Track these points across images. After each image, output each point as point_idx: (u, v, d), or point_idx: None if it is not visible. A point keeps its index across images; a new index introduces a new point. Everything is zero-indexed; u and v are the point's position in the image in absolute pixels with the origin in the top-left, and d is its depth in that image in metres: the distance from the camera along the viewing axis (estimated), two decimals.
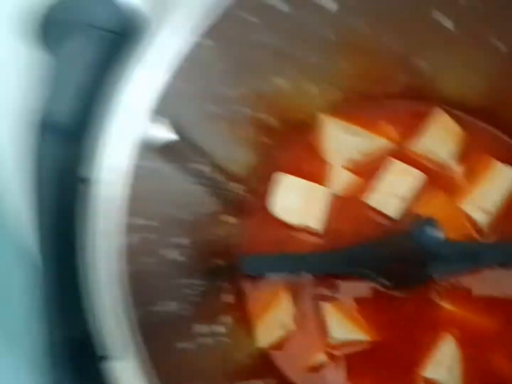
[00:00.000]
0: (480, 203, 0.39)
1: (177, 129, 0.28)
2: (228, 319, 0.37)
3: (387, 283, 0.37)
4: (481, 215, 0.39)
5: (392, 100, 0.41)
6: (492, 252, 0.36)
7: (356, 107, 0.41)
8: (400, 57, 0.36)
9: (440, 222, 0.33)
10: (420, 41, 0.35)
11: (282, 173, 0.41)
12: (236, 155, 0.37)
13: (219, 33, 0.26)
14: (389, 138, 0.41)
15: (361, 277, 0.37)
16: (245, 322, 0.40)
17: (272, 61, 0.32)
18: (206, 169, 0.33)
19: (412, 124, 0.41)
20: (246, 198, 0.41)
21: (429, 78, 0.38)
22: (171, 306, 0.30)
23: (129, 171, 0.25)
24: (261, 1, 0.28)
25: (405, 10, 0.33)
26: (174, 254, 0.31)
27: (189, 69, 0.26)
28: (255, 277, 0.40)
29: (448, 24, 0.33)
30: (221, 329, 0.36)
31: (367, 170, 0.41)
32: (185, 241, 0.33)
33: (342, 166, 0.41)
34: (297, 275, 0.39)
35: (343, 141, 0.41)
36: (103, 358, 0.23)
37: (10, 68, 0.27)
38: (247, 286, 0.41)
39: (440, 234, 0.26)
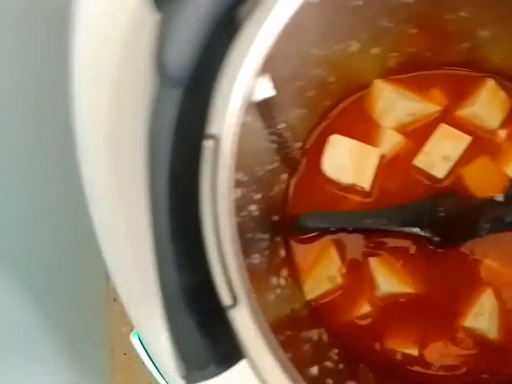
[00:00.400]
0: None
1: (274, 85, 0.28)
2: (285, 272, 0.39)
3: (437, 239, 0.39)
4: None
5: (447, 68, 0.42)
6: None
7: (412, 74, 0.43)
8: (467, 26, 0.37)
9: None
10: (488, 9, 0.36)
11: (335, 134, 0.43)
12: (301, 115, 0.38)
13: None
14: (439, 104, 0.43)
15: (414, 235, 0.40)
16: (296, 276, 0.43)
17: (353, 25, 0.33)
18: (281, 126, 0.34)
19: (463, 91, 0.42)
20: (301, 157, 0.42)
21: (487, 49, 0.39)
22: (255, 259, 0.31)
23: (238, 127, 0.26)
24: None
25: None
26: (254, 209, 0.32)
27: (291, 28, 0.27)
28: (307, 233, 0.42)
29: None
30: (283, 281, 0.38)
31: (416, 133, 0.43)
32: (258, 196, 0.34)
33: (393, 129, 0.43)
34: (352, 231, 0.40)
35: (395, 105, 0.43)
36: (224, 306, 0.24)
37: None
38: (296, 242, 0.43)
39: None
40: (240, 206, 0.28)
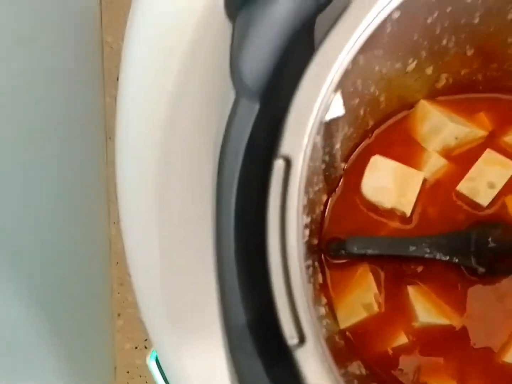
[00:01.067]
0: None
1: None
2: (323, 300, 0.37)
3: (482, 270, 0.37)
4: None
5: (495, 93, 0.41)
6: None
7: (459, 96, 0.41)
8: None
9: None
10: None
11: (377, 155, 0.41)
12: (348, 134, 0.36)
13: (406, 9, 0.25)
14: (486, 129, 0.41)
15: (458, 264, 0.38)
16: (331, 304, 0.41)
17: (419, 43, 0.31)
18: (337, 146, 0.32)
19: (510, 117, 0.41)
20: (340, 177, 0.40)
21: None
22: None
23: (311, 148, 0.24)
24: None
25: None
26: (306, 234, 0.30)
27: (365, 43, 0.25)
28: (343, 258, 0.40)
29: None
30: (323, 310, 0.36)
31: (461, 158, 0.41)
32: (307, 219, 0.32)
33: (437, 152, 0.41)
34: (390, 257, 0.38)
35: (441, 127, 0.41)
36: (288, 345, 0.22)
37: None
38: (330, 268, 0.41)
39: None
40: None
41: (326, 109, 0.24)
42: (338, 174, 0.39)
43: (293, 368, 0.22)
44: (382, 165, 0.41)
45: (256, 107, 0.22)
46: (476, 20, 0.32)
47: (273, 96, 0.24)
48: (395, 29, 0.27)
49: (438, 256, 0.38)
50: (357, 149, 0.42)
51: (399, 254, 0.38)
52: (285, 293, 0.23)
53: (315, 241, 0.38)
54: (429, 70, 0.37)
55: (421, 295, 0.40)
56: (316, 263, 0.38)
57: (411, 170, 0.41)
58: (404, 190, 0.41)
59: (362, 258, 0.41)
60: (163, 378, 0.51)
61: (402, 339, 0.39)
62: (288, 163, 0.23)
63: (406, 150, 0.42)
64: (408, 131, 0.42)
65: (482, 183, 0.40)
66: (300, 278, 0.22)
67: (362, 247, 0.37)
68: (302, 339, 0.22)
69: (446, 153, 0.41)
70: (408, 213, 0.40)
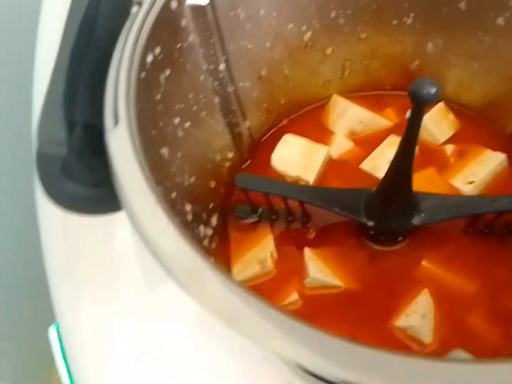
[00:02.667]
0: (468, 179, 0.41)
1: None
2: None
3: (371, 223, 0.38)
4: (469, 188, 0.41)
5: (403, 91, 0.46)
6: (469, 203, 0.38)
7: (368, 93, 0.46)
8: (414, 46, 0.42)
9: None
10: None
11: (289, 134, 0.45)
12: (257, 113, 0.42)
13: None
14: (392, 121, 0.45)
15: (347, 215, 0.38)
16: (227, 258, 0.41)
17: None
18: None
19: None
20: (255, 151, 0.44)
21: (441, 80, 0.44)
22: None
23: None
24: None
25: None
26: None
27: None
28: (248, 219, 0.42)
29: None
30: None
31: (366, 141, 0.45)
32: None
33: (344, 134, 0.45)
34: (284, 199, 0.40)
35: (344, 111, 0.45)
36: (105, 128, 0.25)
37: None
38: (236, 229, 0.42)
39: (435, 89, 0.27)
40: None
41: None
42: (249, 139, 0.43)
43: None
44: (292, 141, 0.44)
45: None
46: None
47: None
48: None
49: (328, 206, 0.39)
50: (273, 130, 0.46)
51: (292, 198, 0.39)
52: (113, 85, 0.26)
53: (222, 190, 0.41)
54: (329, 50, 0.43)
55: (316, 255, 0.40)
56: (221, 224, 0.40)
57: (316, 145, 0.44)
58: (308, 161, 0.43)
59: (265, 221, 0.42)
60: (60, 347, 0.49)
61: (293, 297, 0.39)
62: (139, 4, 0.28)
63: (317, 133, 0.45)
64: (320, 119, 0.46)
65: (383, 162, 0.43)
66: (127, 76, 0.26)
67: (251, 184, 0.39)
68: (116, 122, 0.25)
69: (353, 136, 0.45)
70: (311, 182, 0.43)
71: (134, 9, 0.28)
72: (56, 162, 0.22)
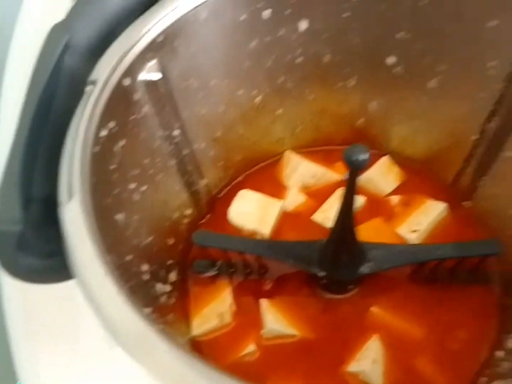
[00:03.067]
0: (413, 228, 0.44)
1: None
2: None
3: (323, 274, 0.40)
4: (413, 236, 0.44)
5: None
6: (414, 251, 0.41)
7: (319, 148, 0.50)
8: (359, 106, 0.45)
9: None
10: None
11: (245, 189, 0.47)
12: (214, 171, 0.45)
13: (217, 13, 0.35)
14: (342, 174, 0.48)
15: (300, 267, 0.41)
16: (186, 312, 0.43)
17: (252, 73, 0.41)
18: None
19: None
20: (213, 206, 0.47)
21: (386, 137, 0.47)
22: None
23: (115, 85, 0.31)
24: None
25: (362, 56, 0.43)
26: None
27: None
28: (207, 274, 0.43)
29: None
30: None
31: (318, 194, 0.47)
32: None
33: (297, 188, 0.47)
34: (241, 253, 0.42)
35: (297, 166, 0.48)
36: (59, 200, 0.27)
37: None
38: (194, 282, 0.44)
39: (366, 156, 0.30)
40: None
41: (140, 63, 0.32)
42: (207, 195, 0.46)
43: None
44: (248, 196, 0.47)
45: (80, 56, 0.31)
46: (300, 60, 0.42)
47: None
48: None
49: (283, 259, 0.41)
50: (230, 186, 0.49)
51: (248, 252, 0.41)
52: (68, 161, 0.28)
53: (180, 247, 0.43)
54: (280, 111, 0.46)
55: (273, 306, 0.42)
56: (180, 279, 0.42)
57: (271, 199, 0.46)
58: (264, 215, 0.46)
59: (224, 275, 0.44)
60: None
61: (251, 347, 0.40)
62: (93, 84, 0.31)
63: (272, 188, 0.48)
64: (275, 174, 0.49)
65: (333, 213, 0.45)
66: (81, 151, 0.28)
67: (208, 241, 0.41)
68: (70, 196, 0.27)
69: (305, 190, 0.48)
70: (267, 234, 0.45)
71: (89, 88, 0.31)
72: (11, 238, 0.24)
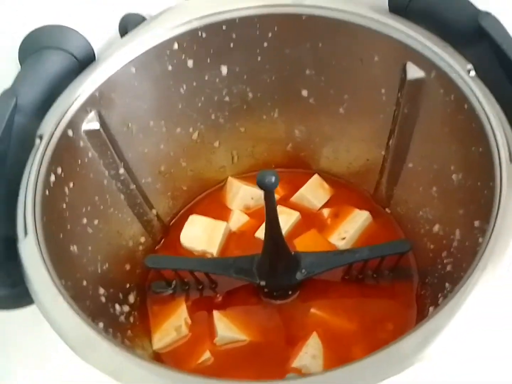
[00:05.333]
0: (342, 235, 0.50)
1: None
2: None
3: (263, 283, 0.45)
4: (342, 243, 0.49)
5: (288, 168, 0.55)
6: (338, 256, 0.46)
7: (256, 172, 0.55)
8: (285, 133, 0.51)
9: None
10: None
11: (195, 214, 0.53)
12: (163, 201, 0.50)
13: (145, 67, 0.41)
14: (278, 193, 0.54)
15: (242, 278, 0.46)
16: (147, 330, 0.47)
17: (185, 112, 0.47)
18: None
19: (296, 184, 0.54)
20: (167, 231, 0.52)
21: (307, 155, 0.54)
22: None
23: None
24: None
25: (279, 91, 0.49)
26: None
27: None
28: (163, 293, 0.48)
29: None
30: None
31: (258, 213, 0.53)
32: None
33: (240, 210, 0.53)
34: (191, 272, 0.47)
35: (238, 190, 0.54)
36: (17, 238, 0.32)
37: None
38: (153, 303, 0.49)
39: (274, 179, 0.35)
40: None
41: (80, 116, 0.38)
42: (158, 223, 0.51)
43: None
44: (196, 220, 0.52)
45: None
46: (227, 99, 0.48)
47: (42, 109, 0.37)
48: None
49: (228, 274, 0.46)
50: (180, 212, 0.54)
51: (195, 270, 0.46)
52: (22, 204, 0.33)
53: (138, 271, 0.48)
54: (217, 144, 0.52)
55: (224, 316, 0.47)
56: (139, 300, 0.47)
57: (217, 222, 0.52)
58: (211, 236, 0.51)
59: (179, 293, 0.49)
60: None
61: (206, 355, 0.45)
62: (40, 138, 0.36)
63: (218, 211, 0.54)
64: (219, 198, 0.55)
65: None
66: (32, 195, 0.33)
67: (159, 263, 0.46)
68: (25, 233, 0.32)
69: (247, 211, 0.53)
70: (215, 254, 0.50)
71: (37, 141, 0.36)
72: None
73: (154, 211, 0.50)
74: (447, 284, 0.39)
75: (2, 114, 0.35)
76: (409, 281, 0.47)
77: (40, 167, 0.35)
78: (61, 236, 0.36)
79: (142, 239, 0.50)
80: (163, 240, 0.53)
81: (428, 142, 0.42)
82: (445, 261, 0.41)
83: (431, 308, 0.41)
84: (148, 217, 0.50)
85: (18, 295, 0.32)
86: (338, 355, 0.45)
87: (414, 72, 0.39)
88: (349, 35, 0.41)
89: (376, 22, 0.40)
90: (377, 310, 0.47)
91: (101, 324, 0.33)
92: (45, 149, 0.36)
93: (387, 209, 0.51)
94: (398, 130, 0.44)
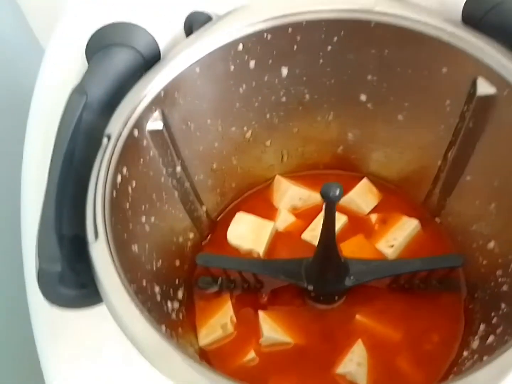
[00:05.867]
0: (390, 243, 0.50)
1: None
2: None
3: (311, 287, 0.45)
4: (390, 250, 0.49)
5: (336, 169, 0.55)
6: (390, 265, 0.46)
7: (305, 172, 0.56)
8: (338, 136, 0.51)
9: None
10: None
11: (241, 212, 0.53)
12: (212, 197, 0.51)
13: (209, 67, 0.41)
14: None
15: (290, 282, 0.46)
16: (193, 326, 0.48)
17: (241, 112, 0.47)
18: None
19: (346, 187, 0.54)
20: (214, 228, 0.53)
21: (358, 158, 0.54)
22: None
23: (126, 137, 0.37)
24: None
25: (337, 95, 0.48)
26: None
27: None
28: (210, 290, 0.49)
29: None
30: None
31: (306, 215, 0.53)
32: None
33: (287, 210, 0.53)
34: (240, 272, 0.47)
35: (286, 190, 0.54)
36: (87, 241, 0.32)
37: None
38: (200, 299, 0.50)
39: (339, 192, 0.35)
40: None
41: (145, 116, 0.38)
42: (207, 220, 0.51)
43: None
44: (243, 218, 0.53)
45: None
46: (284, 99, 0.48)
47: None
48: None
49: (276, 276, 0.46)
50: (227, 209, 0.54)
51: (244, 271, 0.47)
52: (92, 206, 0.33)
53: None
54: (268, 143, 0.51)
55: (269, 317, 0.47)
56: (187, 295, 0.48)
57: (264, 221, 0.52)
58: (258, 235, 0.51)
59: (225, 290, 0.49)
60: None
61: (251, 354, 0.46)
62: (108, 138, 0.36)
63: (264, 210, 0.54)
64: (266, 197, 0.55)
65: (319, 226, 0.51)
66: (101, 197, 0.34)
67: (209, 262, 0.47)
68: (96, 236, 0.32)
69: (294, 211, 0.53)
70: (261, 253, 0.50)
71: (105, 140, 0.36)
72: (54, 276, 0.29)
73: (204, 208, 0.51)
74: (503, 305, 0.39)
75: (73, 113, 0.36)
76: (457, 295, 0.47)
77: (108, 169, 0.35)
78: (125, 236, 0.36)
79: (191, 235, 0.50)
80: (209, 236, 0.53)
81: (491, 157, 0.41)
82: (499, 280, 0.41)
83: (482, 325, 0.42)
84: (198, 214, 0.50)
85: (87, 295, 0.32)
86: (383, 364, 0.45)
87: (485, 88, 0.38)
88: (418, 44, 0.40)
89: (448, 34, 0.39)
90: (423, 321, 0.47)
91: (163, 327, 0.34)
92: (113, 150, 0.36)
93: (437, 218, 0.51)
94: (459, 143, 0.43)
